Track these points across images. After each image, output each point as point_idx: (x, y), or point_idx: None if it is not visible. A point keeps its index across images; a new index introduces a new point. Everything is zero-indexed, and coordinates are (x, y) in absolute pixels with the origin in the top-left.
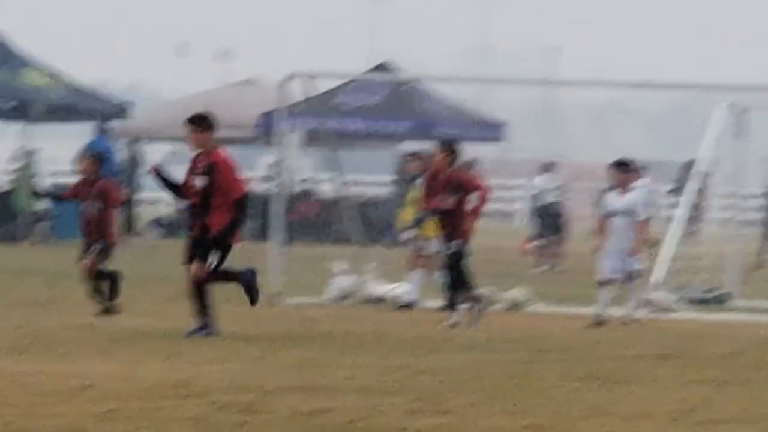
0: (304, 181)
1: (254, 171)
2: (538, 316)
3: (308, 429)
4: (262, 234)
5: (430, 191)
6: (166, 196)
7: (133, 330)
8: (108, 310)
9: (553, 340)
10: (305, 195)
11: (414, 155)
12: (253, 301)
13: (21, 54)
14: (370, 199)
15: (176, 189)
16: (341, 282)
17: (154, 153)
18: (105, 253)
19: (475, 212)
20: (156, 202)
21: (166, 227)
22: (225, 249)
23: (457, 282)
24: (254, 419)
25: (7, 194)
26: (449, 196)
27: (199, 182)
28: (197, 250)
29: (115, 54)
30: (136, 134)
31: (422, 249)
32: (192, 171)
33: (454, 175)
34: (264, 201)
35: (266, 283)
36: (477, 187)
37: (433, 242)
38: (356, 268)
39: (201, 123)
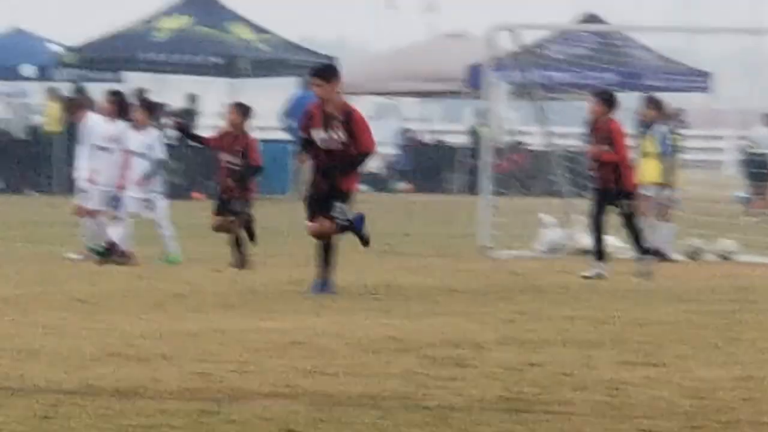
0: (512, 133)
1: (461, 124)
2: (748, 266)
3: (519, 382)
4: (470, 187)
5: (591, 141)
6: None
7: (341, 285)
8: (242, 264)
9: (764, 290)
10: (513, 148)
11: (651, 102)
12: (365, 243)
13: (229, 9)
14: (578, 151)
15: (200, 140)
16: (551, 234)
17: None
18: (245, 209)
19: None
20: None
21: (376, 181)
22: (349, 201)
23: (634, 233)
24: (465, 373)
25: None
26: (604, 146)
27: (338, 135)
28: (323, 205)
29: (322, 8)
30: (343, 88)
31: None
32: (324, 124)
33: (607, 126)
34: (471, 154)
35: (475, 236)
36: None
37: (652, 189)
38: (565, 220)
39: (325, 74)
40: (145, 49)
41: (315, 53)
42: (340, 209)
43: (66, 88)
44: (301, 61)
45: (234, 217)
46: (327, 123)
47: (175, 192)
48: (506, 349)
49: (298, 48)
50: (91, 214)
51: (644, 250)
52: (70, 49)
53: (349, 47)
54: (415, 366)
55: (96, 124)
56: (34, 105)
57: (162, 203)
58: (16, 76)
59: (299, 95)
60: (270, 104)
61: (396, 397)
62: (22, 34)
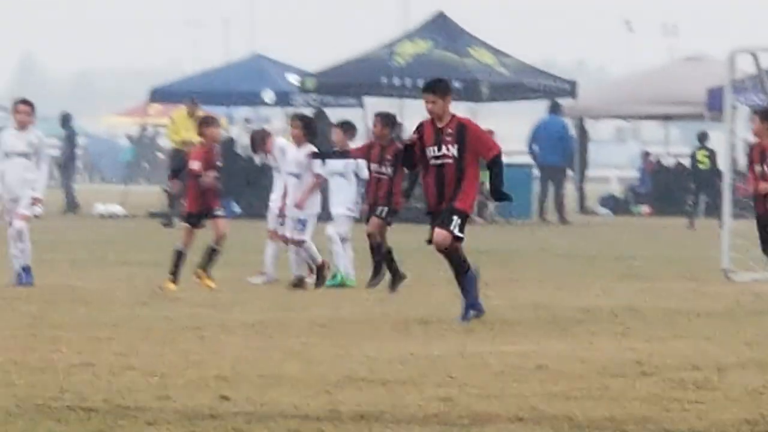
0: None
1: (703, 148)
2: None
3: (762, 405)
4: (710, 210)
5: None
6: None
7: (583, 308)
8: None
9: None
10: None
11: None
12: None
13: (469, 34)
14: None
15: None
16: None
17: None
18: (389, 217)
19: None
20: (606, 180)
21: (616, 205)
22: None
23: None
24: (708, 396)
25: None
26: None
27: (450, 150)
28: (442, 217)
29: (561, 31)
30: (582, 112)
31: None
32: (434, 140)
33: None
34: (709, 177)
35: (716, 259)
36: None
37: None
38: None
39: (437, 89)
40: (386, 74)
41: (554, 77)
42: (456, 222)
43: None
44: (540, 84)
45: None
46: (438, 139)
47: (420, 217)
48: (749, 372)
49: (537, 72)
50: (285, 240)
51: None
52: (310, 75)
53: (588, 70)
54: (657, 389)
55: (286, 151)
56: (275, 130)
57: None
58: (257, 102)
59: (546, 120)
60: (510, 128)
61: (639, 420)
62: (262, 59)
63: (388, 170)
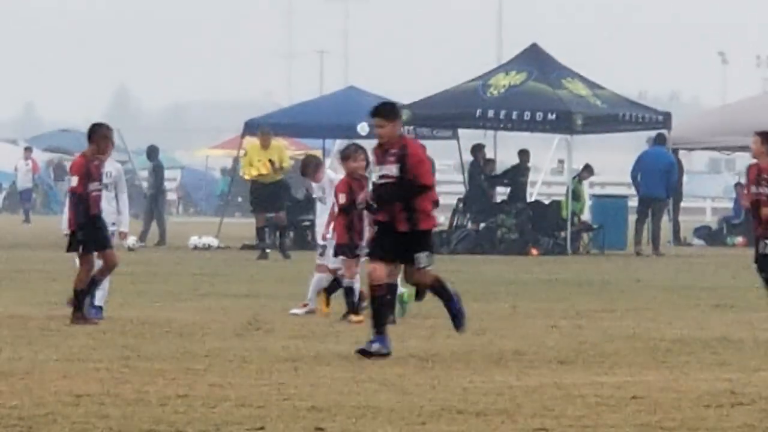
0: None
1: None
2: None
3: None
4: None
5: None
6: (710, 204)
7: (678, 339)
8: None
9: None
10: None
11: None
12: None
13: (563, 66)
14: None
15: None
16: None
17: (694, 162)
18: None
19: None
20: (700, 211)
21: (710, 236)
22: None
23: None
24: None
25: (553, 205)
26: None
27: (392, 171)
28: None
29: (655, 64)
30: (677, 143)
31: None
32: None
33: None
34: None
35: None
36: None
37: None
38: None
39: (386, 113)
40: (479, 105)
41: (648, 108)
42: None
43: None
44: (634, 116)
45: None
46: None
47: (513, 248)
48: None
49: (631, 103)
50: (331, 272)
51: None
52: (403, 106)
53: (681, 102)
54: (752, 419)
55: (335, 184)
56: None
57: None
58: (351, 134)
59: (650, 151)
60: (604, 159)
61: None
62: (356, 91)
63: None
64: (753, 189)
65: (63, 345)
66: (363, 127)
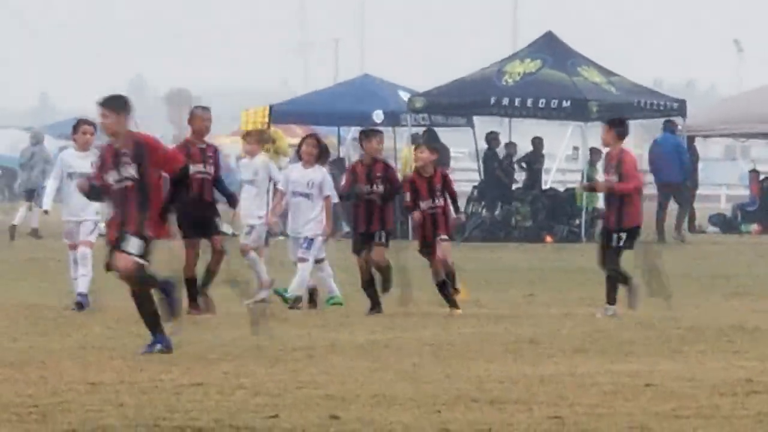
0: None
1: None
2: None
3: None
4: None
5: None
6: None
7: (692, 327)
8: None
9: None
10: None
11: None
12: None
13: (578, 53)
14: None
15: None
16: None
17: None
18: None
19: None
20: (715, 198)
21: (725, 223)
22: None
23: None
24: None
25: (567, 194)
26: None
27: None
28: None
29: (671, 52)
30: (692, 130)
31: None
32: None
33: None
34: None
35: None
36: None
37: None
38: None
39: (113, 104)
40: (495, 93)
41: (663, 96)
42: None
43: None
44: (649, 104)
45: None
46: (117, 162)
47: (527, 235)
48: None
49: (646, 91)
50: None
51: None
52: (418, 94)
53: (697, 90)
54: (767, 407)
55: (268, 167)
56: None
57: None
58: (367, 122)
59: (659, 138)
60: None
61: None
62: (371, 79)
63: (380, 190)
64: None
65: (77, 334)
66: (378, 115)
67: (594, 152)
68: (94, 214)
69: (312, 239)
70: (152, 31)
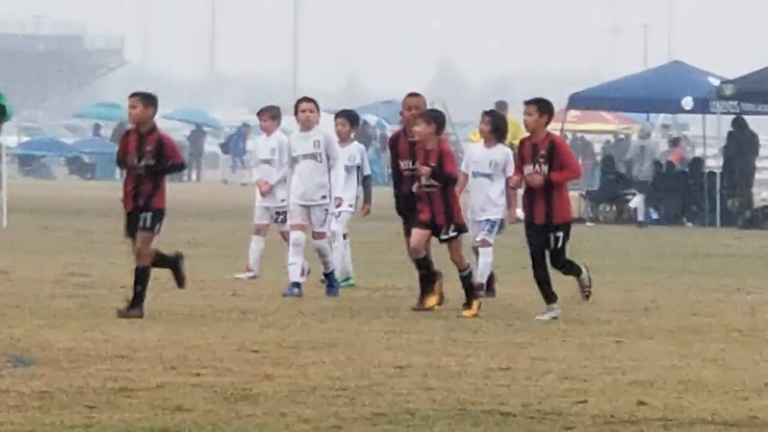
0: None
1: None
2: None
3: None
4: None
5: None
6: None
7: None
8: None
9: None
10: None
11: None
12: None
13: None
14: None
15: None
16: None
17: None
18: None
19: None
20: None
21: None
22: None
23: None
24: None
25: None
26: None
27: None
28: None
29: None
30: None
31: None
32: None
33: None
34: None
35: None
36: None
37: None
38: None
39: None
40: None
41: None
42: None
43: (725, 121)
44: None
45: None
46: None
47: None
48: None
49: None
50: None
51: None
52: (727, 81)
53: None
54: None
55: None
56: (692, 137)
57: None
58: (676, 109)
59: None
60: None
61: None
62: (681, 65)
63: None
64: None
65: (385, 316)
66: (687, 102)
67: None
68: (321, 198)
69: (494, 222)
70: (461, 14)
